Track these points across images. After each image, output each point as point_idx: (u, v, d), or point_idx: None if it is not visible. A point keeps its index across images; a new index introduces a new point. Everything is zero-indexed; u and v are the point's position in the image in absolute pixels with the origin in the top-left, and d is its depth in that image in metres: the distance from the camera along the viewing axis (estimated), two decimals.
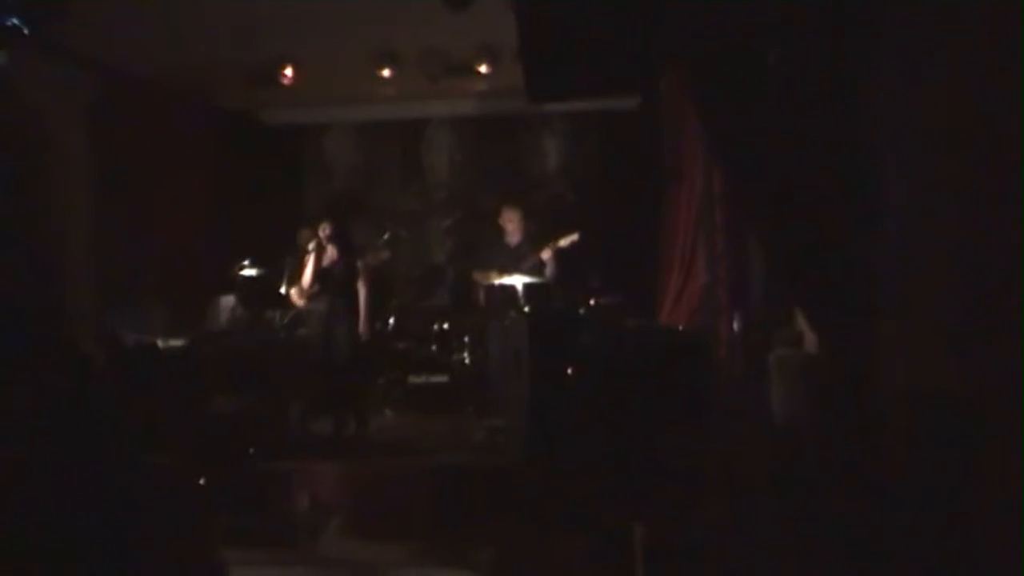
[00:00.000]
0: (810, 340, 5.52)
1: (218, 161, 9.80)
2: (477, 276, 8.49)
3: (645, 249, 9.02)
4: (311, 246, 7.58)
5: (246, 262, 8.24)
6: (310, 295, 7.72)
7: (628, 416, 5.56)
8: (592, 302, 8.06)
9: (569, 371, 6.21)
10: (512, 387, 6.77)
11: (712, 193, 6.91)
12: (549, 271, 8.12)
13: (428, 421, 8.24)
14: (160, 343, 6.88)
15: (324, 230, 7.58)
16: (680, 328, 7.19)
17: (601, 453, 5.58)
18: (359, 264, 7.67)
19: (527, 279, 7.85)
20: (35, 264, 6.32)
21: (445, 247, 10.71)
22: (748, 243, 6.45)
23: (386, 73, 8.32)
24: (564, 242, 8.11)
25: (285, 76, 8.31)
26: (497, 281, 7.96)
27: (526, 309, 7.45)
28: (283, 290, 8.18)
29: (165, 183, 8.71)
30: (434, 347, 9.01)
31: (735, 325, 6.44)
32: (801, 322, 5.67)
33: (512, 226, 8.41)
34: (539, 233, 8.51)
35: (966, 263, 3.32)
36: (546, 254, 8.11)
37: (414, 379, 8.80)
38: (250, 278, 8.23)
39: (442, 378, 8.77)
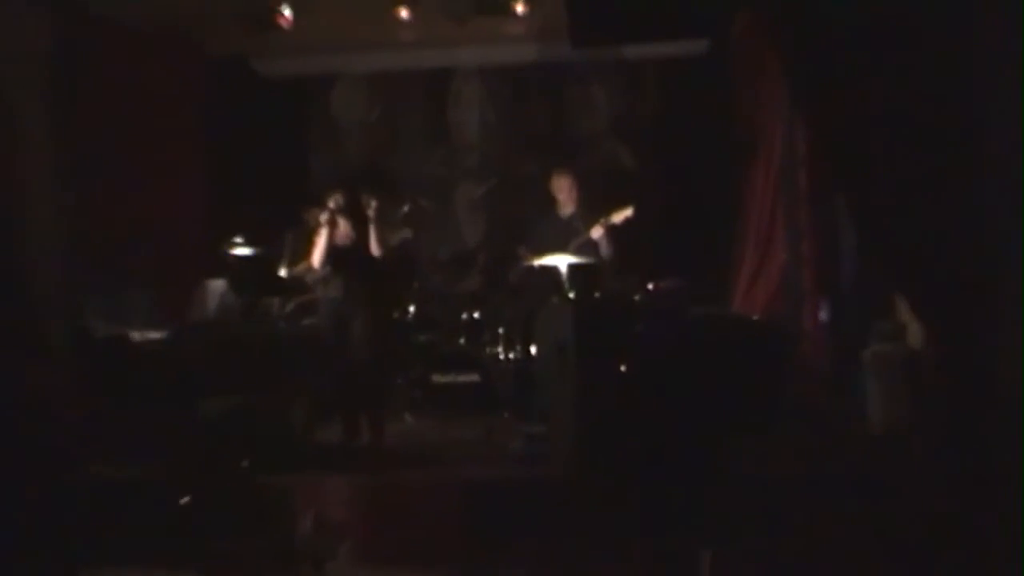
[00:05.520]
0: (914, 333, 5.54)
1: (205, 121, 9.81)
2: (520, 255, 8.57)
3: (714, 223, 9.07)
4: (323, 218, 7.56)
5: (239, 239, 8.21)
6: (318, 279, 7.76)
7: (693, 422, 5.56)
8: (650, 287, 8.09)
9: (623, 368, 6.19)
10: (555, 387, 6.80)
11: (795, 155, 6.98)
12: (603, 253, 8.20)
13: (455, 427, 8.21)
14: (137, 335, 6.89)
15: (335, 202, 7.60)
16: (756, 318, 7.35)
17: (661, 465, 5.59)
18: (375, 242, 7.61)
19: (573, 259, 7.92)
20: None
21: (476, 222, 10.77)
22: (838, 215, 6.46)
23: (404, 14, 8.33)
24: (618, 218, 8.14)
25: (283, 18, 8.31)
26: (537, 262, 8.03)
27: (571, 295, 7.51)
28: (283, 272, 8.23)
29: (142, 147, 8.69)
30: (462, 340, 9.05)
31: (822, 314, 6.51)
32: (903, 311, 5.67)
33: (564, 195, 8.48)
34: (593, 203, 8.59)
35: None
36: (597, 232, 8.17)
37: (439, 378, 8.75)
38: (244, 258, 8.11)
39: (472, 376, 8.73)
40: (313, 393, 7.60)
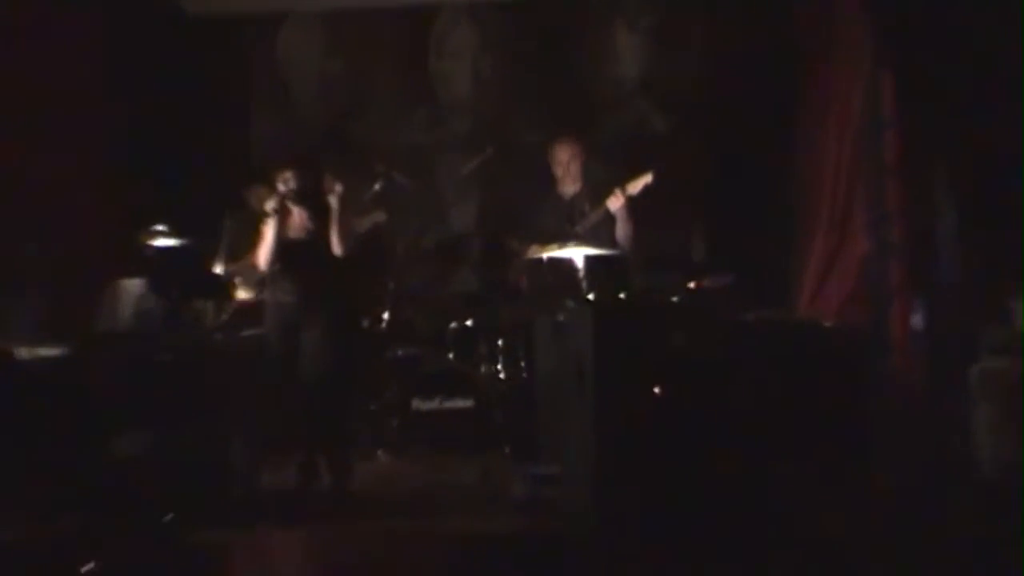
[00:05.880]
0: None
1: (112, 75, 9.72)
2: (517, 247, 8.57)
3: (773, 203, 9.09)
4: (269, 205, 7.56)
5: (161, 227, 7.99)
6: (265, 278, 7.80)
7: (749, 463, 5.73)
8: (692, 285, 8.12)
9: (657, 392, 6.23)
10: (570, 416, 6.76)
11: (878, 114, 6.96)
12: (620, 232, 8.31)
13: (442, 467, 8.28)
14: (24, 351, 6.86)
15: (286, 183, 7.60)
16: (829, 324, 7.24)
17: (705, 520, 5.66)
18: (338, 234, 7.63)
19: (591, 250, 7.88)
20: None
21: (467, 203, 10.72)
22: (936, 191, 6.46)
23: None
24: (635, 186, 8.19)
25: None
26: (547, 254, 8.02)
27: (591, 296, 7.49)
28: (219, 269, 8.28)
29: (26, 109, 8.60)
30: (451, 355, 9.08)
31: (915, 319, 6.54)
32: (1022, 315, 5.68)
33: (563, 169, 8.59)
34: (610, 180, 8.53)
35: None
36: (615, 203, 8.23)
37: (421, 404, 8.74)
38: (168, 251, 7.99)
39: (463, 402, 8.72)
40: (257, 425, 7.66)
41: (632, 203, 8.26)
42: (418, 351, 9.29)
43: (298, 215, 7.60)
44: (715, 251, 8.71)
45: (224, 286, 8.34)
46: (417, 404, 8.78)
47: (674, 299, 7.94)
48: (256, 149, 10.60)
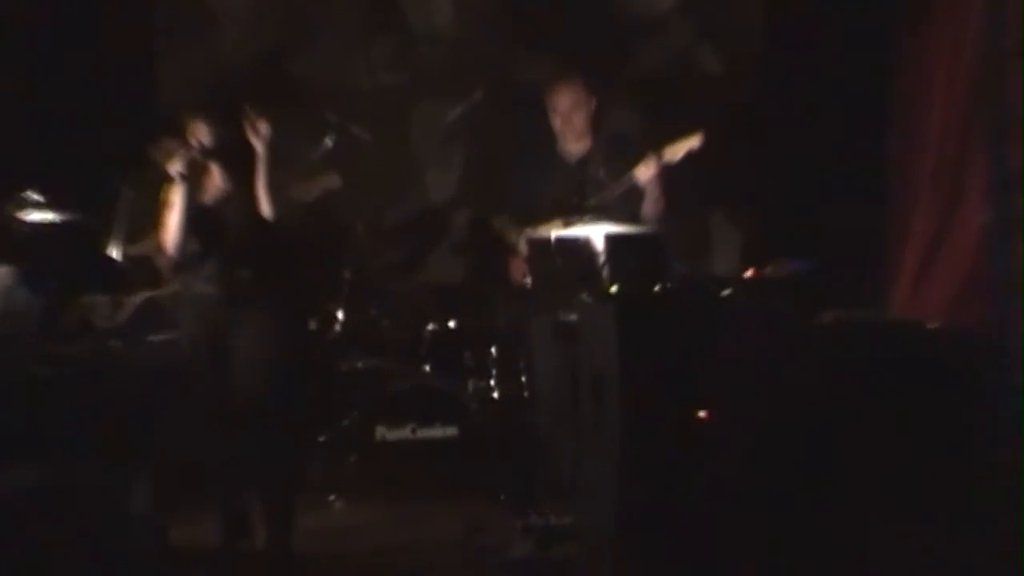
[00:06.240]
0: None
1: None
2: (514, 224, 8.57)
3: (857, 164, 8.98)
4: (176, 168, 7.40)
5: (35, 195, 7.99)
6: (177, 263, 7.64)
7: (827, 508, 5.83)
8: (749, 274, 7.93)
9: (702, 415, 6.26)
10: (587, 448, 6.85)
11: (1001, 43, 7.01)
12: (648, 211, 8.27)
13: (415, 518, 8.29)
14: None
15: (201, 134, 7.47)
16: (934, 325, 7.18)
17: None
18: (266, 187, 7.45)
19: (612, 228, 7.76)
20: None
21: (449, 163, 10.80)
22: None
23: None
24: (676, 152, 8.06)
25: None
26: (555, 233, 7.85)
27: (614, 289, 7.28)
28: (116, 252, 8.34)
29: None
30: (428, 367, 9.12)
31: None
32: None
33: (563, 121, 8.54)
34: (635, 139, 8.56)
35: None
36: (645, 173, 8.09)
37: (388, 433, 8.79)
38: (45, 229, 7.97)
39: (444, 430, 8.76)
40: (167, 461, 7.66)
41: (669, 174, 8.13)
42: (384, 362, 9.28)
43: (217, 175, 7.55)
44: (780, 231, 8.73)
45: (122, 275, 8.33)
46: (382, 433, 8.77)
47: (725, 293, 7.58)
48: (165, 92, 10.51)
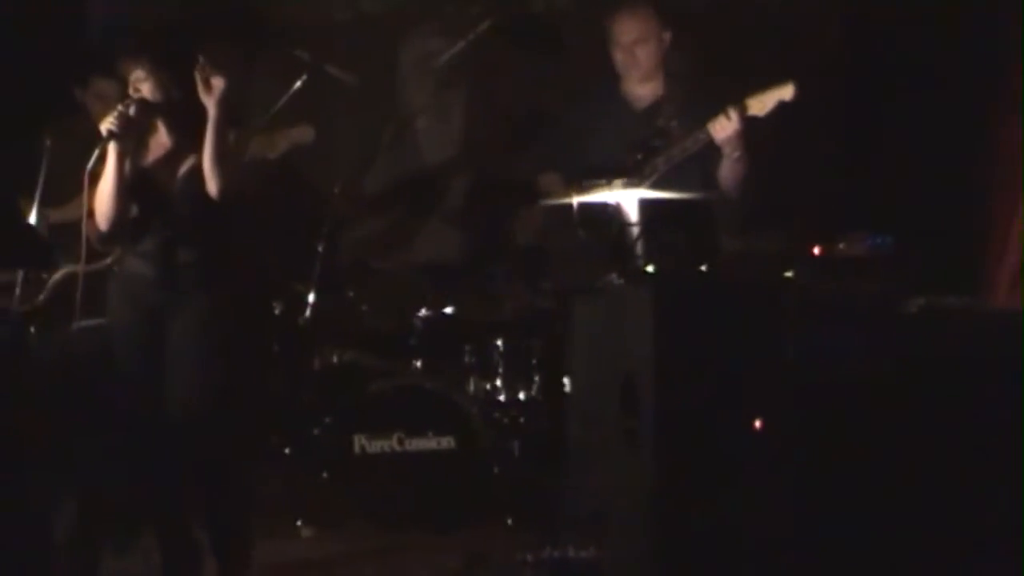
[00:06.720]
0: None
1: None
2: (555, 187, 7.94)
3: (949, 126, 8.53)
4: (107, 124, 6.90)
5: None
6: (110, 234, 7.05)
7: (913, 536, 5.62)
8: (818, 251, 7.32)
9: (758, 424, 6.02)
10: (614, 465, 6.49)
11: None
12: (726, 176, 7.60)
13: (401, 549, 7.91)
14: None
15: (139, 78, 6.89)
16: None
17: None
18: (215, 154, 6.87)
19: (650, 193, 7.23)
20: None
21: (447, 112, 10.30)
22: None
23: None
24: (763, 105, 7.40)
25: None
26: (577, 199, 7.19)
27: (651, 268, 6.79)
28: (34, 220, 7.99)
29: None
30: (419, 364, 8.74)
31: None
32: None
33: (627, 56, 7.78)
34: (712, 84, 8.14)
35: None
36: (724, 129, 7.31)
37: (368, 444, 8.31)
38: None
39: (438, 442, 8.29)
40: (96, 477, 7.29)
41: (754, 130, 7.51)
42: (364, 357, 9.00)
43: (159, 129, 7.00)
44: (854, 200, 8.32)
45: (44, 248, 7.93)
46: (362, 444, 8.33)
47: (788, 274, 7.11)
48: (99, 20, 9.86)
